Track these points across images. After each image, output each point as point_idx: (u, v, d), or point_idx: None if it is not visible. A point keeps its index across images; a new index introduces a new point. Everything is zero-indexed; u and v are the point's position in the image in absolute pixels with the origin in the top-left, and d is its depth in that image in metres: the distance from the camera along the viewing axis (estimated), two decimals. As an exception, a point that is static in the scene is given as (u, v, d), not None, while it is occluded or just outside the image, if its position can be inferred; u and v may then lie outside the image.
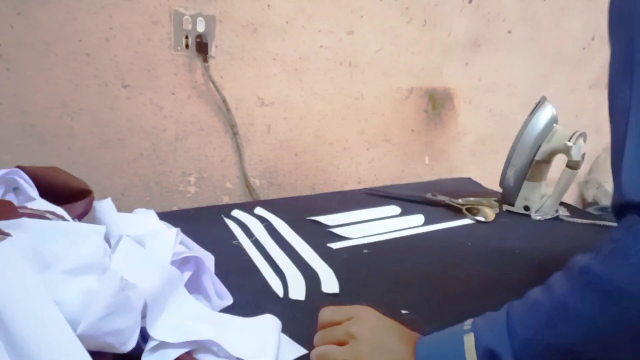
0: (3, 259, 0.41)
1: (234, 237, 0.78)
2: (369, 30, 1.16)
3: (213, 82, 1.01)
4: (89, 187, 0.59)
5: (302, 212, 0.90)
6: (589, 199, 1.83)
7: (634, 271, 0.35)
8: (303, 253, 0.73)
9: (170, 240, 0.54)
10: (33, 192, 0.56)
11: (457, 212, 0.95)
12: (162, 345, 0.45)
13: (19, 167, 0.56)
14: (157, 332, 0.45)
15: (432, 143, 1.38)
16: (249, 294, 0.61)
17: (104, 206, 0.57)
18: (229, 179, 1.11)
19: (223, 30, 1.00)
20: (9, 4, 0.82)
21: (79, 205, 0.57)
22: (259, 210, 0.88)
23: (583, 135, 0.90)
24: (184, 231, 0.60)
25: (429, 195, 1.01)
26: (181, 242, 0.59)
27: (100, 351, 0.41)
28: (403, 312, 0.60)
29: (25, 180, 0.56)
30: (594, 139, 1.78)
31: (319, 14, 1.09)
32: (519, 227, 0.90)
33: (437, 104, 1.34)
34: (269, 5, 1.02)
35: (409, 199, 1.01)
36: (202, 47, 0.97)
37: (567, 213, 0.96)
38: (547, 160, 0.93)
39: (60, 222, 0.51)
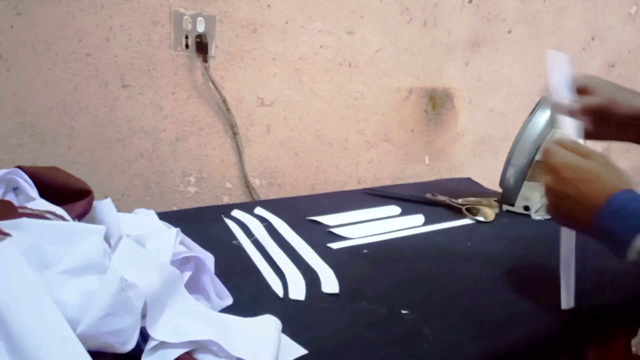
0: (3, 259, 0.41)
1: (234, 237, 0.78)
2: (369, 30, 1.16)
3: (213, 82, 1.01)
4: (89, 187, 0.59)
5: (302, 212, 0.90)
6: (589, 199, 1.83)
7: None
8: (303, 253, 0.73)
9: (170, 240, 0.54)
10: (33, 192, 0.56)
11: (457, 212, 0.95)
12: (162, 345, 0.45)
13: (19, 167, 0.56)
14: (157, 332, 0.45)
15: (432, 143, 1.38)
16: (249, 294, 0.61)
17: (104, 206, 0.57)
18: (229, 179, 1.11)
19: (223, 30, 1.00)
20: (9, 4, 0.82)
21: (79, 205, 0.57)
22: (259, 210, 0.88)
23: (583, 135, 0.90)
24: (184, 231, 0.60)
25: (429, 195, 1.01)
26: (181, 242, 0.59)
27: (100, 351, 0.41)
28: (403, 312, 0.60)
29: (25, 180, 0.56)
30: (594, 139, 1.78)
31: (319, 14, 1.09)
32: (519, 227, 0.90)
33: (437, 104, 1.34)
34: (269, 5, 1.02)
35: (409, 199, 1.01)
36: (202, 47, 0.97)
37: (567, 213, 0.96)
38: (547, 160, 0.93)
39: (60, 222, 0.51)
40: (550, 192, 0.56)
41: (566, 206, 0.54)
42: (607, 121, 0.65)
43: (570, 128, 0.62)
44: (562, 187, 0.54)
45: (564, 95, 0.64)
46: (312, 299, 0.62)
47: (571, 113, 0.63)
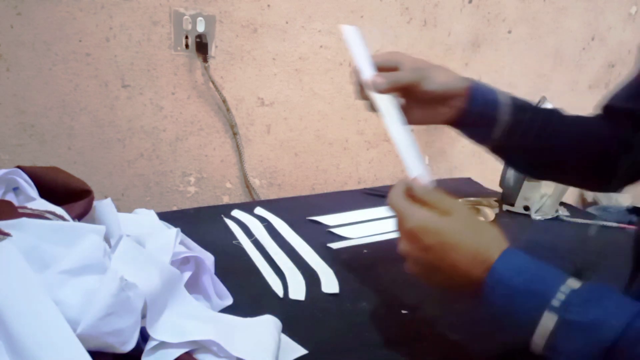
0: (3, 259, 0.41)
1: (234, 237, 0.77)
2: (369, 30, 1.16)
3: (213, 82, 1.01)
4: (89, 187, 0.59)
5: (302, 212, 0.89)
6: (589, 199, 1.83)
7: None
8: (303, 253, 0.73)
9: (170, 240, 0.54)
10: (33, 192, 0.56)
11: (457, 212, 0.95)
12: (162, 345, 0.45)
13: (19, 167, 0.56)
14: (157, 332, 0.45)
15: (432, 143, 1.38)
16: (249, 294, 0.61)
17: (104, 206, 0.57)
18: (229, 179, 1.11)
19: (223, 30, 1.00)
20: (9, 4, 0.82)
21: (79, 205, 0.57)
22: (259, 210, 0.88)
23: (583, 135, 0.90)
24: (184, 231, 0.60)
25: (429, 195, 1.01)
26: (181, 242, 0.59)
27: (100, 351, 0.41)
28: (403, 312, 0.60)
29: (25, 180, 0.56)
30: (594, 139, 1.78)
31: (319, 14, 1.09)
32: (519, 227, 0.90)
33: (437, 104, 1.34)
34: (269, 5, 1.02)
35: (409, 199, 1.01)
36: (202, 47, 0.97)
37: (567, 213, 0.96)
38: (547, 160, 0.93)
39: (60, 222, 0.50)
40: (414, 263, 0.47)
41: (439, 277, 0.46)
42: (418, 100, 0.58)
43: (386, 108, 0.56)
44: (427, 257, 0.45)
45: (370, 72, 0.58)
46: (312, 299, 0.62)
47: (379, 89, 0.56)
